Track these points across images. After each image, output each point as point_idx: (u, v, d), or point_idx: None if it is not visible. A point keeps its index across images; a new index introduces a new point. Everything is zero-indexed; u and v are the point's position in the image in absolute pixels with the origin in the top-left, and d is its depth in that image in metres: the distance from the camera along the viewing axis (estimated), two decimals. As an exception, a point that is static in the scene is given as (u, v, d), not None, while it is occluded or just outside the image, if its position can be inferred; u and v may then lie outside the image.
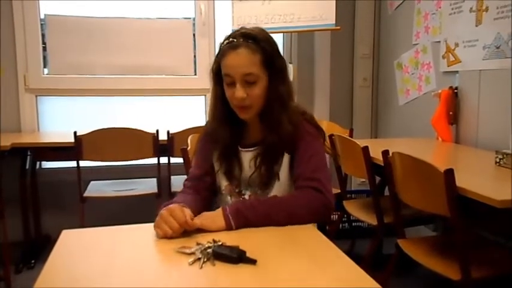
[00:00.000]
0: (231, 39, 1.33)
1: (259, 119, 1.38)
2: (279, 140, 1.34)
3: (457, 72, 2.63)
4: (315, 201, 1.26)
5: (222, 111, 1.39)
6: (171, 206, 1.15)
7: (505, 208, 1.36)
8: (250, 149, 1.41)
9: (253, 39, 1.31)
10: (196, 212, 1.24)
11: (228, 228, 1.17)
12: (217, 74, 1.37)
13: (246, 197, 1.40)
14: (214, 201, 1.48)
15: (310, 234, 1.17)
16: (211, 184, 1.45)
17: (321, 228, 1.23)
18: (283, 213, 1.22)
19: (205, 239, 1.05)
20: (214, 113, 1.42)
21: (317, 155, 1.35)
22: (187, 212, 1.14)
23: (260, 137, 1.39)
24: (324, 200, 1.27)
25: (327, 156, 1.47)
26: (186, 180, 1.47)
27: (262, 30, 1.36)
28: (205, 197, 1.43)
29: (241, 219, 1.18)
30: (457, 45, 2.62)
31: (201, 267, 0.94)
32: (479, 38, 2.43)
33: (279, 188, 1.36)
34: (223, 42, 1.35)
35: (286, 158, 1.36)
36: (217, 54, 1.36)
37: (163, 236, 1.10)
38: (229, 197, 1.43)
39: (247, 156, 1.40)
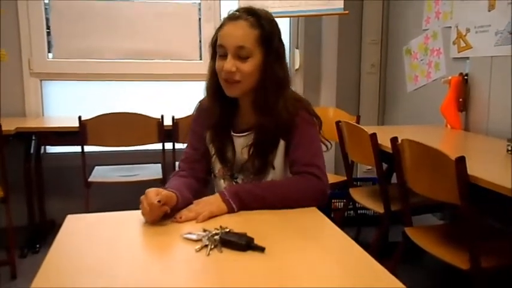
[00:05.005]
0: (233, 12, 1.32)
1: (251, 103, 1.34)
2: (274, 127, 1.30)
3: (467, 58, 2.58)
4: (314, 187, 1.26)
5: (215, 87, 1.35)
6: (148, 189, 1.12)
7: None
8: (242, 134, 1.38)
9: (254, 15, 1.29)
10: (195, 195, 1.24)
11: (230, 211, 1.18)
12: (215, 48, 1.34)
13: (239, 181, 1.38)
14: (211, 182, 1.46)
15: (315, 219, 1.16)
16: (207, 165, 1.43)
17: (326, 216, 1.20)
18: (279, 197, 1.22)
19: (212, 226, 1.03)
20: (208, 88, 1.39)
21: (314, 141, 1.34)
22: (165, 193, 1.10)
23: (253, 122, 1.35)
24: (322, 187, 1.27)
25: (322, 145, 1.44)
26: (181, 160, 1.44)
27: (267, 12, 1.34)
28: (201, 178, 1.41)
29: (240, 203, 1.19)
30: (468, 30, 2.56)
31: (208, 254, 0.92)
32: (491, 24, 2.37)
33: (274, 176, 1.34)
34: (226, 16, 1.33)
35: (281, 146, 1.34)
36: (218, 27, 1.34)
37: (147, 221, 1.10)
38: (222, 181, 1.41)
39: (239, 141, 1.38)
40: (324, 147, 1.38)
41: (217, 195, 1.21)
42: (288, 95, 1.34)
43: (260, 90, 1.31)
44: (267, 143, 1.33)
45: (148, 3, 3.25)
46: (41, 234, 2.86)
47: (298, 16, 3.23)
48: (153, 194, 1.09)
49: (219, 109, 1.37)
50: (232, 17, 1.30)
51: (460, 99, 2.55)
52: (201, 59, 3.39)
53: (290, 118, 1.31)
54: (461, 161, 1.47)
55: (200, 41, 3.38)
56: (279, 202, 1.21)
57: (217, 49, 1.31)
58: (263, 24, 1.29)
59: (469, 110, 2.57)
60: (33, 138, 2.85)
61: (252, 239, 0.95)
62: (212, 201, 1.19)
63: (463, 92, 2.55)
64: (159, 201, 1.07)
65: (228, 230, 1.00)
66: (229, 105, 1.37)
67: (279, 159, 1.34)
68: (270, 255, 0.92)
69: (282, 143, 1.33)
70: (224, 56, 1.28)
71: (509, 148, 1.84)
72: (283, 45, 1.36)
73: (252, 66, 1.28)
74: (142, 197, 1.10)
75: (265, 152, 1.33)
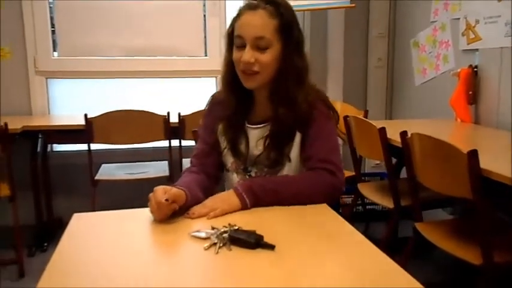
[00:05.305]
0: (251, 0, 1.27)
1: (268, 94, 1.31)
2: (293, 119, 1.27)
3: (477, 50, 2.54)
4: (328, 183, 1.23)
5: (231, 78, 1.32)
6: (156, 187, 1.10)
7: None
8: (257, 126, 1.34)
9: (273, 3, 1.25)
10: (204, 192, 1.22)
11: (244, 207, 1.15)
12: (230, 38, 1.30)
13: (252, 174, 1.35)
14: (222, 178, 1.43)
15: (326, 216, 1.13)
16: (219, 160, 1.39)
17: (335, 211, 1.18)
18: (292, 192, 1.20)
19: (221, 223, 1.02)
20: (224, 79, 1.35)
21: (330, 136, 1.30)
22: (173, 191, 1.07)
23: (269, 114, 1.32)
24: (337, 183, 1.24)
25: (339, 139, 1.39)
26: (192, 156, 1.41)
27: (284, 0, 1.29)
28: (213, 174, 1.38)
29: (254, 198, 1.16)
30: (477, 22, 2.51)
31: (217, 253, 0.90)
32: (501, 14, 2.33)
33: (289, 168, 1.31)
34: (243, 5, 1.29)
35: (297, 138, 1.30)
36: (234, 17, 1.29)
37: (156, 219, 1.07)
38: (235, 175, 1.37)
39: (254, 134, 1.34)
40: (340, 141, 1.35)
41: (231, 191, 1.18)
42: (307, 86, 1.30)
43: (279, 81, 1.27)
44: (283, 134, 1.30)
45: (152, -1, 3.24)
46: (48, 233, 2.86)
47: (304, 10, 3.19)
48: (161, 192, 1.06)
49: (234, 101, 1.33)
50: (250, 6, 1.25)
51: (470, 92, 2.51)
52: (206, 55, 3.37)
53: (309, 110, 1.27)
54: (473, 154, 1.44)
55: (205, 37, 3.36)
56: (292, 197, 1.19)
57: (234, 39, 1.27)
58: (282, 13, 1.25)
59: (479, 102, 2.53)
60: (40, 136, 2.85)
61: (261, 237, 0.93)
62: (226, 198, 1.17)
63: (473, 84, 2.51)
64: (166, 200, 1.04)
65: (237, 227, 0.98)
66: (245, 97, 1.34)
67: (295, 152, 1.30)
68: (280, 253, 0.90)
69: (298, 136, 1.30)
70: (242, 47, 1.24)
71: (522, 141, 1.80)
72: (302, 33, 1.32)
73: (271, 57, 1.24)
74: (150, 195, 1.08)
75: (281, 144, 1.30)
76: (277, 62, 1.26)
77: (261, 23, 1.23)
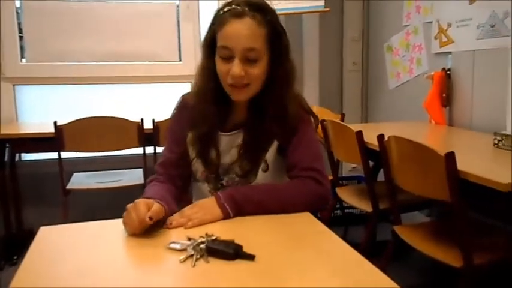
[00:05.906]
0: (233, 6, 1.16)
1: (247, 102, 1.24)
2: (281, 129, 1.21)
3: (450, 53, 2.57)
4: (314, 192, 1.19)
5: (210, 89, 1.23)
6: (137, 200, 1.04)
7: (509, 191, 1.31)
8: (229, 133, 1.27)
9: (259, 10, 1.16)
10: (173, 204, 1.15)
11: (226, 217, 1.10)
12: (210, 46, 1.21)
13: (224, 183, 1.28)
14: (189, 189, 1.36)
15: (307, 223, 1.10)
16: (186, 171, 1.31)
17: (313, 216, 1.15)
18: (276, 201, 1.15)
19: (198, 233, 0.97)
20: (201, 90, 1.26)
21: (313, 143, 1.26)
22: (155, 207, 1.01)
23: (242, 120, 1.26)
24: (323, 192, 1.20)
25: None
26: (158, 164, 1.32)
27: (266, 3, 1.21)
28: (179, 185, 1.30)
29: (237, 208, 1.11)
30: (449, 25, 2.55)
31: (194, 265, 0.86)
32: (473, 17, 2.37)
33: (265, 177, 1.25)
34: (222, 9, 1.18)
35: (274, 145, 1.25)
36: (214, 22, 1.20)
37: (130, 233, 1.01)
38: (206, 184, 1.30)
39: (225, 141, 1.27)
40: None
41: (212, 199, 1.12)
42: (293, 95, 1.24)
43: (269, 89, 1.21)
44: (258, 142, 1.24)
45: (124, 3, 3.17)
46: (18, 245, 2.74)
47: (279, 14, 3.17)
48: (144, 209, 1.00)
49: (212, 114, 1.25)
50: (235, 13, 1.14)
51: (444, 95, 2.55)
52: (180, 60, 3.32)
53: (295, 121, 1.22)
54: (450, 156, 1.44)
55: (179, 42, 3.31)
56: (277, 207, 1.13)
57: (218, 50, 1.17)
58: (270, 20, 1.17)
59: (452, 105, 2.56)
60: (7, 145, 2.75)
61: (240, 247, 0.89)
62: (206, 207, 1.10)
63: (446, 87, 2.55)
64: (150, 218, 0.98)
65: (214, 237, 0.94)
66: (222, 105, 1.26)
67: (271, 161, 1.25)
68: (260, 263, 0.86)
69: (275, 143, 1.25)
70: (228, 59, 1.16)
71: (496, 142, 1.82)
72: (288, 38, 1.24)
73: (261, 69, 1.17)
74: (129, 207, 1.02)
75: (256, 153, 1.24)
76: (267, 72, 1.20)
77: (251, 33, 1.13)
